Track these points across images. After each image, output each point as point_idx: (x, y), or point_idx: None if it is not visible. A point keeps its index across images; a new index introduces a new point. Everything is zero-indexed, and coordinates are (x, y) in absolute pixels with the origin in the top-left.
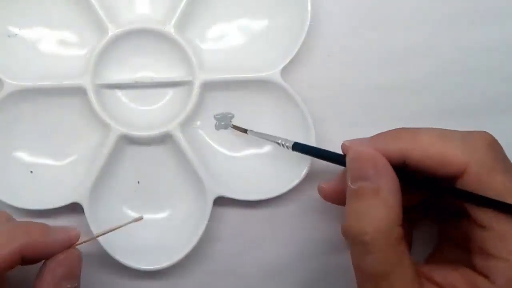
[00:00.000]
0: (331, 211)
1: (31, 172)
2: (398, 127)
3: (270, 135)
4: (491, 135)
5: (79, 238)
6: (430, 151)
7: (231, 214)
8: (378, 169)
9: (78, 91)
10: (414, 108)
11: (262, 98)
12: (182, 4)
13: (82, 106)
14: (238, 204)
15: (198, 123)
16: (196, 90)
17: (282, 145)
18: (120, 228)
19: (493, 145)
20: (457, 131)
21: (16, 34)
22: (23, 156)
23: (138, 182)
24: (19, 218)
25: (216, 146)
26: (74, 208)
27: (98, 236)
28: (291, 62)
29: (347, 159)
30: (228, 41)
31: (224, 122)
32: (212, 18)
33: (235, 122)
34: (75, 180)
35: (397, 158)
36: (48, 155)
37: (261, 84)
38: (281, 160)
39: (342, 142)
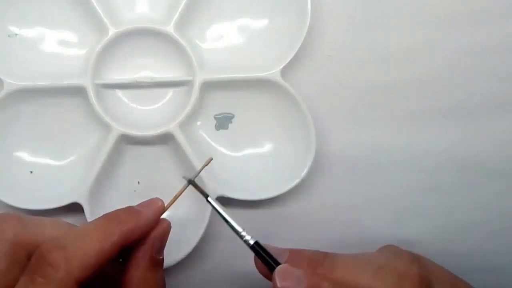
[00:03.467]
0: (331, 211)
1: (31, 172)
2: (322, 262)
3: (232, 218)
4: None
5: (165, 205)
6: None
7: (231, 214)
8: None
9: (78, 91)
10: (414, 108)
11: (262, 98)
12: (182, 4)
13: (82, 106)
14: (238, 204)
15: (198, 123)
16: (196, 90)
17: (242, 236)
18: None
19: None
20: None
21: (16, 34)
22: (23, 156)
23: (138, 182)
24: None
25: (216, 146)
26: (74, 208)
27: (180, 193)
28: (291, 62)
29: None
30: (228, 41)
31: (224, 122)
32: (212, 18)
33: (235, 122)
34: (75, 180)
35: None
36: (48, 155)
37: (261, 84)
38: (281, 160)
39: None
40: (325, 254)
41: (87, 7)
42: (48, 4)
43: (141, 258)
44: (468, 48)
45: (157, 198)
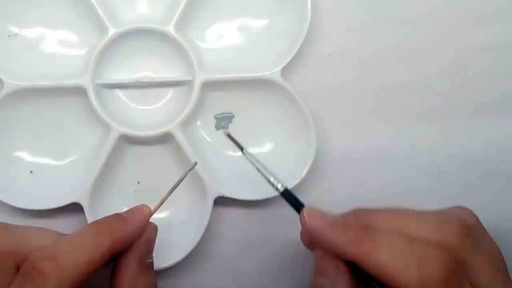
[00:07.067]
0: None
1: (31, 172)
2: (360, 212)
3: (265, 168)
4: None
5: (151, 211)
6: (385, 269)
7: (231, 214)
8: (338, 272)
9: (78, 91)
10: (414, 108)
11: (262, 98)
12: (182, 4)
13: (82, 106)
14: (238, 204)
15: (198, 123)
16: (196, 90)
17: (272, 184)
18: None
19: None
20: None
21: (16, 34)
22: (23, 156)
23: (138, 182)
24: (19, 218)
25: (216, 146)
26: (74, 208)
27: (165, 198)
28: (291, 62)
29: (315, 256)
30: (228, 41)
31: (224, 122)
32: (212, 18)
33: (235, 122)
34: (75, 180)
35: (352, 258)
36: (48, 155)
37: (261, 84)
38: (281, 160)
39: (305, 215)
40: (368, 229)
41: (87, 7)
42: (48, 4)
43: (129, 262)
44: (469, 48)
45: (143, 205)
